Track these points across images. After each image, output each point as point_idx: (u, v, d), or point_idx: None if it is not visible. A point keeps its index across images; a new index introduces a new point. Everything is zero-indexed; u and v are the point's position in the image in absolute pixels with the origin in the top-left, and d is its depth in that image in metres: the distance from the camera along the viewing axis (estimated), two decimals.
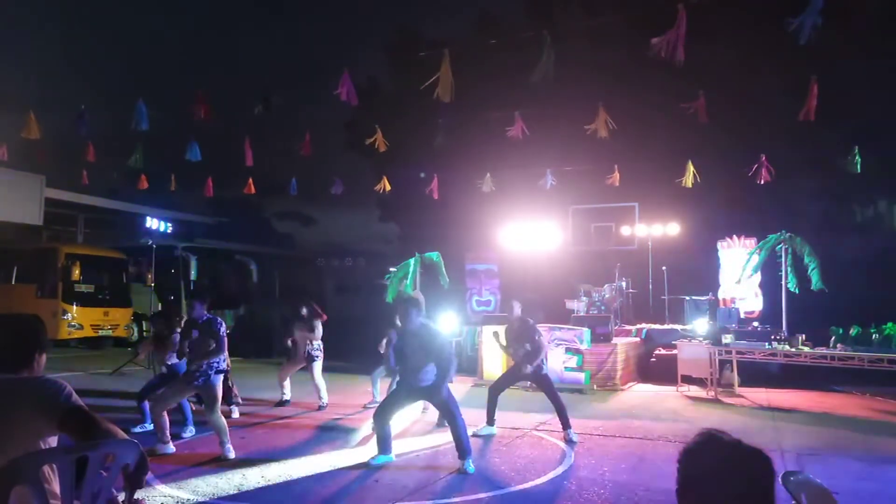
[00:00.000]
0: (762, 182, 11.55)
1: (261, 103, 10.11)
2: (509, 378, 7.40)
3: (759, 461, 1.48)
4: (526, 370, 7.01)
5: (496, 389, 7.29)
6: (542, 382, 7.12)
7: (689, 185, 11.86)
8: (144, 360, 12.35)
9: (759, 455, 1.49)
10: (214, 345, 6.06)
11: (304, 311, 8.85)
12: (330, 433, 7.24)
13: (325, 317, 9.10)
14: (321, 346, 8.94)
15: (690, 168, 11.79)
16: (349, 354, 12.59)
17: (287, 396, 8.94)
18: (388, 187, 14.17)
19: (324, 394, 8.80)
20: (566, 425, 6.88)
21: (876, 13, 15.02)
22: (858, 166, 11.04)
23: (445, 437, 6.67)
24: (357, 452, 6.31)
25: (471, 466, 5.58)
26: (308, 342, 8.80)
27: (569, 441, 6.74)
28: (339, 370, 12.17)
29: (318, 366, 8.80)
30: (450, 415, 5.74)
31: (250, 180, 14.34)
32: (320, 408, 8.69)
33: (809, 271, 10.84)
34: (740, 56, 15.40)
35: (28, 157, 13.83)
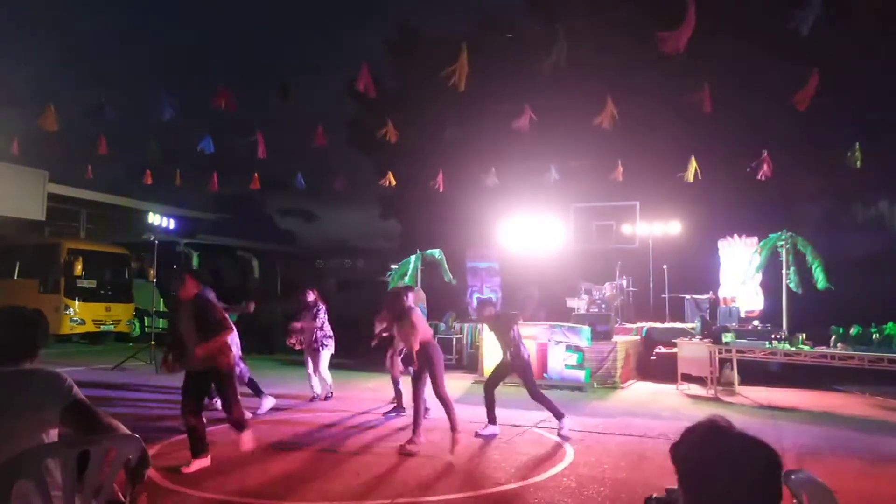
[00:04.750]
0: (763, 178, 11.49)
1: (280, 92, 10.08)
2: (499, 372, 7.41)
3: (766, 455, 1.45)
4: (506, 358, 7.15)
5: (490, 385, 7.28)
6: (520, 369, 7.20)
7: (691, 179, 11.82)
8: (145, 356, 12.41)
9: (764, 449, 1.45)
10: None
11: (311, 297, 8.86)
12: (331, 428, 7.25)
13: (325, 303, 9.08)
14: (331, 335, 8.87)
15: (693, 163, 11.76)
16: (349, 351, 12.61)
17: (319, 391, 8.91)
18: (394, 181, 14.15)
19: (329, 384, 8.82)
20: (558, 416, 6.97)
21: (880, 10, 14.96)
22: (859, 161, 10.99)
23: (447, 435, 6.68)
24: (356, 447, 6.33)
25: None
26: (315, 330, 8.74)
27: (562, 437, 6.82)
28: (340, 367, 12.19)
29: (326, 355, 8.78)
30: None
31: (255, 175, 14.34)
32: (327, 398, 8.74)
33: (814, 270, 10.81)
34: (744, 54, 15.35)
35: (30, 152, 13.85)
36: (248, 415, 6.88)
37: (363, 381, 10.94)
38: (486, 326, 9.90)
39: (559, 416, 6.96)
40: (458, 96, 9.34)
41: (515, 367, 7.15)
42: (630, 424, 7.68)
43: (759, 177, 11.54)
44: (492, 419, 7.08)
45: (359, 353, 12.44)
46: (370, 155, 22.27)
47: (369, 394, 9.57)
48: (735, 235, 13.10)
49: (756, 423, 7.83)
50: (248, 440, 5.82)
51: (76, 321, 16.51)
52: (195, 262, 18.40)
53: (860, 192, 17.20)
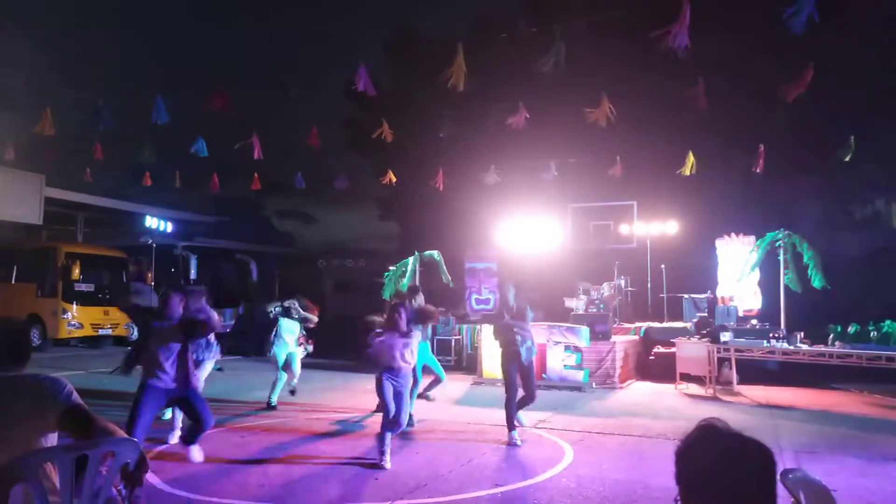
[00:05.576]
0: (759, 171, 11.48)
1: (281, 89, 10.03)
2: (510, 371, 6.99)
3: (761, 454, 1.46)
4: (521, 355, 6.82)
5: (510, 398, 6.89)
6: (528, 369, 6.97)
7: (688, 172, 11.81)
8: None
9: (760, 448, 1.47)
10: None
11: (297, 303, 8.92)
12: (329, 431, 7.24)
13: (316, 310, 9.10)
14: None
15: (691, 158, 11.75)
16: (347, 352, 12.62)
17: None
18: (395, 178, 14.11)
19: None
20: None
21: (879, 10, 15.01)
22: (851, 153, 10.97)
23: (447, 437, 6.70)
24: (355, 449, 6.33)
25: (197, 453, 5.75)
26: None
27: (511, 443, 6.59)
28: (339, 368, 12.19)
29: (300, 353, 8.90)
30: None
31: (255, 175, 14.32)
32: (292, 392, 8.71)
33: (810, 270, 10.83)
34: (741, 53, 15.38)
35: (27, 156, 13.83)
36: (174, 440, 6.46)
37: (362, 383, 10.92)
38: (486, 327, 9.89)
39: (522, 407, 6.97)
40: (457, 96, 9.34)
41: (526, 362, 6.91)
42: (629, 424, 7.68)
43: (754, 169, 11.52)
44: (512, 427, 6.74)
45: (356, 354, 12.44)
46: (368, 157, 22.29)
47: (368, 396, 9.56)
48: (732, 234, 13.12)
49: (754, 421, 7.84)
50: (198, 453, 5.71)
51: (74, 325, 16.49)
52: (193, 264, 18.38)
53: (857, 190, 17.25)
